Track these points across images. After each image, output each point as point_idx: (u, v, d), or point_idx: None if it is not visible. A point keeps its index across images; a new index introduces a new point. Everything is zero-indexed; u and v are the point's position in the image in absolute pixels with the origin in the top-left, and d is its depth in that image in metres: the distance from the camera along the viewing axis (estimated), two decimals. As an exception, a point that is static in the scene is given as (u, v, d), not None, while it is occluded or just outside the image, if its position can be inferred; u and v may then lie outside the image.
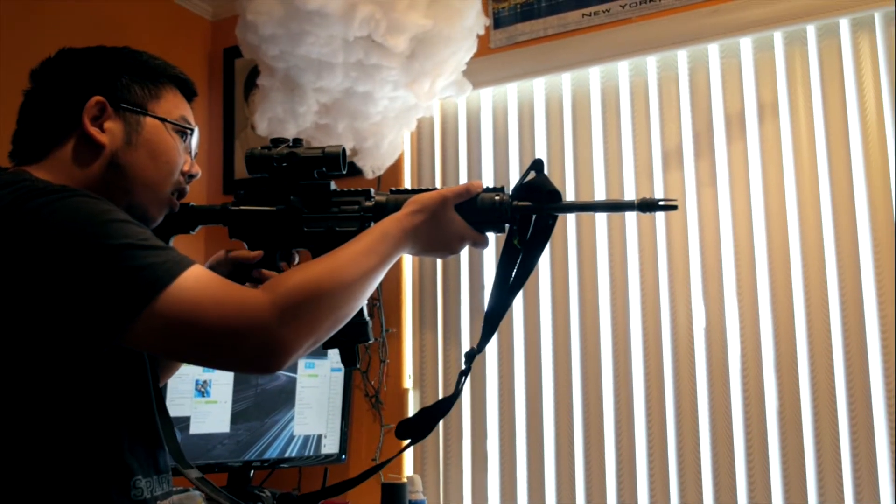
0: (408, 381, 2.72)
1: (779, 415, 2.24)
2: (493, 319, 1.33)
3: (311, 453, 2.56)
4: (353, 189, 1.38)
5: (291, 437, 2.51)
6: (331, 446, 2.60)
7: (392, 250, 1.22)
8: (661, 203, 1.26)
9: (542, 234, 1.31)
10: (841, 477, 2.15)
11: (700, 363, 2.34)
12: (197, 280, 1.04)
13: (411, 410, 2.69)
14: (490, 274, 2.63)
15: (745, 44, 2.39)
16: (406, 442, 1.37)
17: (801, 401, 2.22)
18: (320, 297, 1.09)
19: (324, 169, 1.35)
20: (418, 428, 1.34)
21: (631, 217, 2.46)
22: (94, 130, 1.18)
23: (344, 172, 1.36)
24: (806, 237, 2.26)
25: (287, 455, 2.50)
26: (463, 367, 1.34)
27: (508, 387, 2.57)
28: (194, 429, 2.33)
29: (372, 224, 1.33)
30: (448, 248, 1.30)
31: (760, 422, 2.25)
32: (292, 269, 1.13)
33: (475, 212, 1.30)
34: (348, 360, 1.35)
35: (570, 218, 2.53)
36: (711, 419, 2.31)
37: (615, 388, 2.43)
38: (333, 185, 1.38)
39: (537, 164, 1.32)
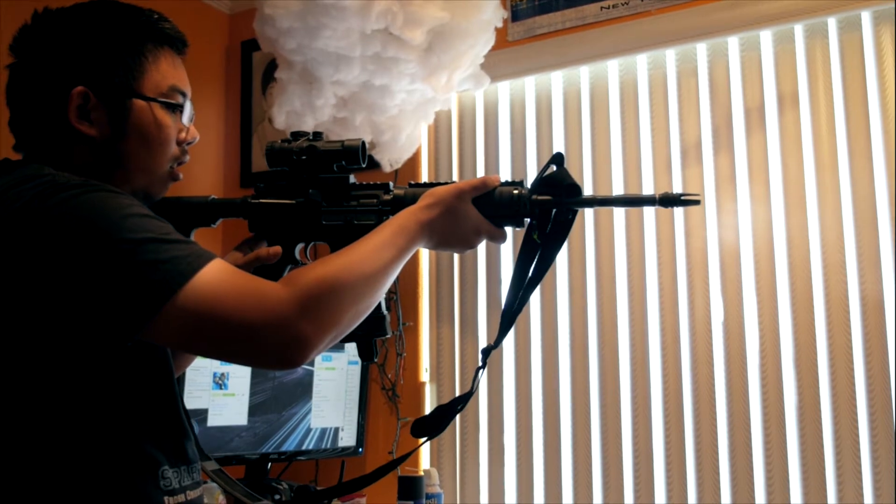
0: (424, 375, 2.72)
1: (797, 412, 2.23)
2: (510, 315, 1.32)
3: (329, 446, 2.57)
4: (371, 183, 1.38)
5: (308, 430, 2.52)
6: (348, 439, 2.61)
7: (409, 244, 1.21)
8: (682, 198, 1.24)
9: (562, 228, 1.30)
10: (860, 475, 2.13)
11: (718, 359, 2.33)
12: (218, 274, 1.04)
13: (428, 404, 2.69)
14: (508, 267, 2.63)
15: (766, 37, 2.37)
16: (422, 438, 1.36)
17: (820, 397, 2.20)
18: (340, 291, 1.09)
19: (343, 162, 1.34)
20: (434, 425, 1.34)
21: (649, 210, 2.45)
22: (81, 126, 1.16)
23: (363, 166, 1.35)
24: (826, 231, 2.24)
25: (304, 448, 2.51)
26: (479, 363, 1.34)
27: (525, 380, 2.56)
28: (212, 421, 2.34)
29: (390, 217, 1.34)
30: (465, 241, 1.29)
31: (779, 419, 2.24)
32: (311, 264, 1.12)
33: (493, 205, 1.29)
34: (366, 355, 1.36)
35: (588, 211, 2.52)
36: (729, 416, 2.29)
37: (632, 384, 2.42)
38: (353, 179, 1.38)
39: (557, 158, 1.31)
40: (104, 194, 1.05)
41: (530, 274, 1.31)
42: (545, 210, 1.29)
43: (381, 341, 2.62)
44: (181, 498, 1.15)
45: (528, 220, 1.31)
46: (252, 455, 2.41)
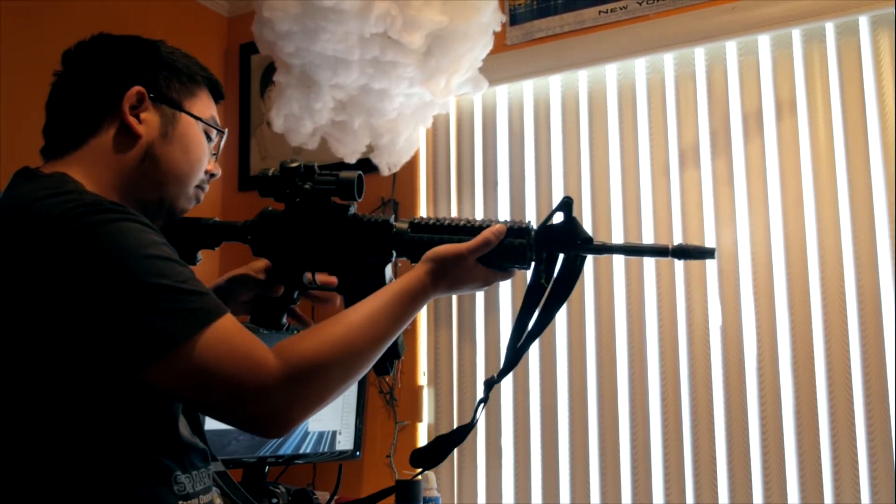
0: (422, 378, 2.72)
1: (795, 414, 2.23)
2: (516, 353, 1.31)
3: (326, 449, 2.56)
4: (373, 218, 1.34)
5: (306, 434, 2.52)
6: (345, 443, 2.61)
7: (410, 311, 1.21)
8: (696, 251, 1.21)
9: (571, 273, 1.28)
10: (857, 477, 2.14)
11: (716, 363, 2.33)
12: (221, 334, 1.04)
13: (425, 407, 2.69)
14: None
15: (763, 41, 2.38)
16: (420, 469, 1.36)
17: (817, 400, 2.21)
18: (332, 370, 1.09)
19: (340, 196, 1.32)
20: (433, 456, 1.34)
21: (647, 215, 2.46)
22: (132, 120, 1.20)
23: (358, 200, 1.32)
24: (823, 235, 2.24)
25: (302, 451, 2.51)
26: (482, 395, 1.33)
27: (523, 382, 2.56)
28: (210, 424, 2.31)
29: (393, 255, 1.33)
30: (473, 290, 1.31)
31: (776, 421, 2.24)
32: (307, 334, 1.11)
33: (499, 257, 1.27)
34: (380, 370, 1.34)
35: (586, 215, 2.52)
36: (727, 419, 2.30)
37: (630, 386, 2.43)
38: (353, 209, 1.35)
39: (566, 204, 1.27)
40: (133, 225, 1.06)
41: (538, 316, 1.30)
42: (552, 256, 1.28)
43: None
44: (195, 502, 1.16)
45: (535, 264, 1.28)
46: (249, 458, 2.41)
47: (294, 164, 1.32)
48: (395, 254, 1.33)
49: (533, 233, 1.27)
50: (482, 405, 1.32)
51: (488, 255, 1.26)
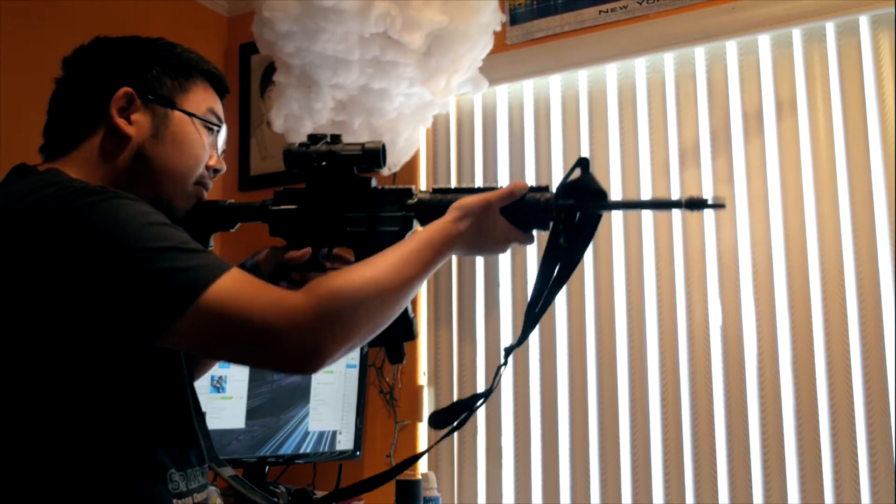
0: (422, 378, 2.71)
1: (795, 414, 2.23)
2: (535, 314, 1.32)
3: (326, 449, 2.57)
4: (394, 187, 1.36)
5: (306, 434, 2.52)
6: (345, 443, 2.61)
7: (436, 257, 1.21)
8: (709, 203, 1.23)
9: (588, 230, 1.30)
10: (857, 477, 2.14)
11: (716, 362, 2.33)
12: (236, 282, 1.05)
13: (426, 407, 2.69)
14: (505, 270, 2.63)
15: (764, 41, 2.38)
16: (440, 433, 1.36)
17: (818, 400, 2.21)
18: (359, 304, 1.09)
19: (364, 165, 1.33)
20: (450, 418, 1.34)
21: (647, 214, 2.45)
22: (120, 122, 1.20)
23: (383, 167, 1.34)
24: (824, 235, 2.24)
25: (302, 451, 2.51)
26: (502, 360, 1.34)
27: (523, 383, 2.56)
28: (209, 424, 2.31)
29: (415, 223, 1.34)
30: (493, 249, 1.31)
31: (776, 421, 2.24)
32: (333, 273, 1.12)
33: (520, 212, 1.29)
34: (394, 357, 1.35)
35: (586, 215, 2.52)
36: (727, 418, 2.29)
37: (630, 386, 2.42)
38: (374, 182, 1.37)
39: (583, 162, 1.30)
40: (123, 201, 1.06)
41: (556, 275, 1.31)
42: (571, 214, 1.30)
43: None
44: (189, 501, 1.17)
45: (554, 223, 1.31)
46: (250, 458, 2.41)
47: (321, 133, 1.36)
48: (415, 224, 1.34)
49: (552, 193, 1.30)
50: (501, 369, 1.34)
51: (511, 208, 1.28)
